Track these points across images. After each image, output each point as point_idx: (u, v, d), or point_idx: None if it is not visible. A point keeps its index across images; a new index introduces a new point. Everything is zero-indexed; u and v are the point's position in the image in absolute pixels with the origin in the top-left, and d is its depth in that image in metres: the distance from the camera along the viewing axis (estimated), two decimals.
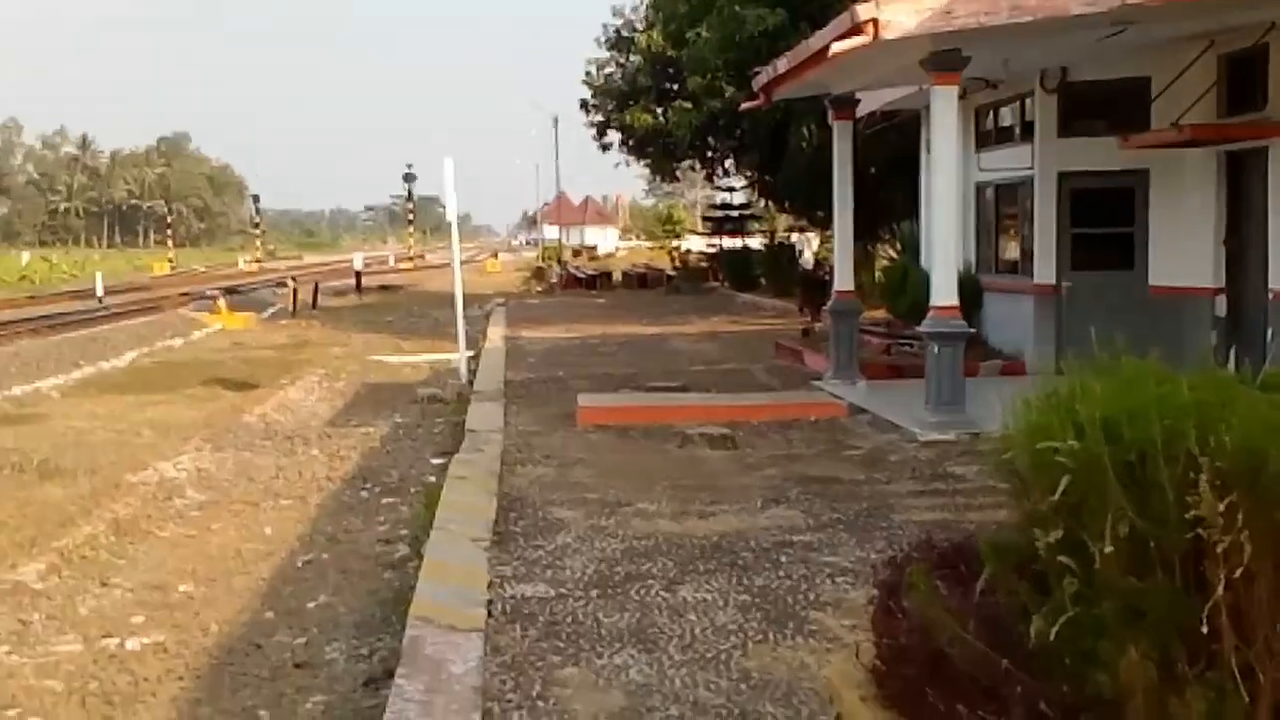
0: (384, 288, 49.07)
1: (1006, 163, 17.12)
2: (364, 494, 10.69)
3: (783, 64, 14.59)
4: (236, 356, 23.03)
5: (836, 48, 11.46)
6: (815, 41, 12.76)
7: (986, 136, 18.17)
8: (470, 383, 16.88)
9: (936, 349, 12.15)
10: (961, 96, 13.37)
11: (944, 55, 11.81)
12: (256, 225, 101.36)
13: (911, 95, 17.69)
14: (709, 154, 38.79)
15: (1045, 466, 3.54)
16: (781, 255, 38.65)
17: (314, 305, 36.86)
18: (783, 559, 7.48)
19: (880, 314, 21.42)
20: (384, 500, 10.40)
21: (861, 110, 17.50)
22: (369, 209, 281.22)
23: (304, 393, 17.53)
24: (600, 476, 10.19)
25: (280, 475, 11.51)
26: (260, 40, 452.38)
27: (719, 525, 8.39)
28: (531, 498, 9.35)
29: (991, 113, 18.05)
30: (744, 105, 18.94)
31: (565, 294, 43.24)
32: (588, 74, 40.79)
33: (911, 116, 21.67)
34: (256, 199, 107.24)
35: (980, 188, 18.15)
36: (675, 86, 35.44)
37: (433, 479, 10.77)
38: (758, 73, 16.18)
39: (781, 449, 11.51)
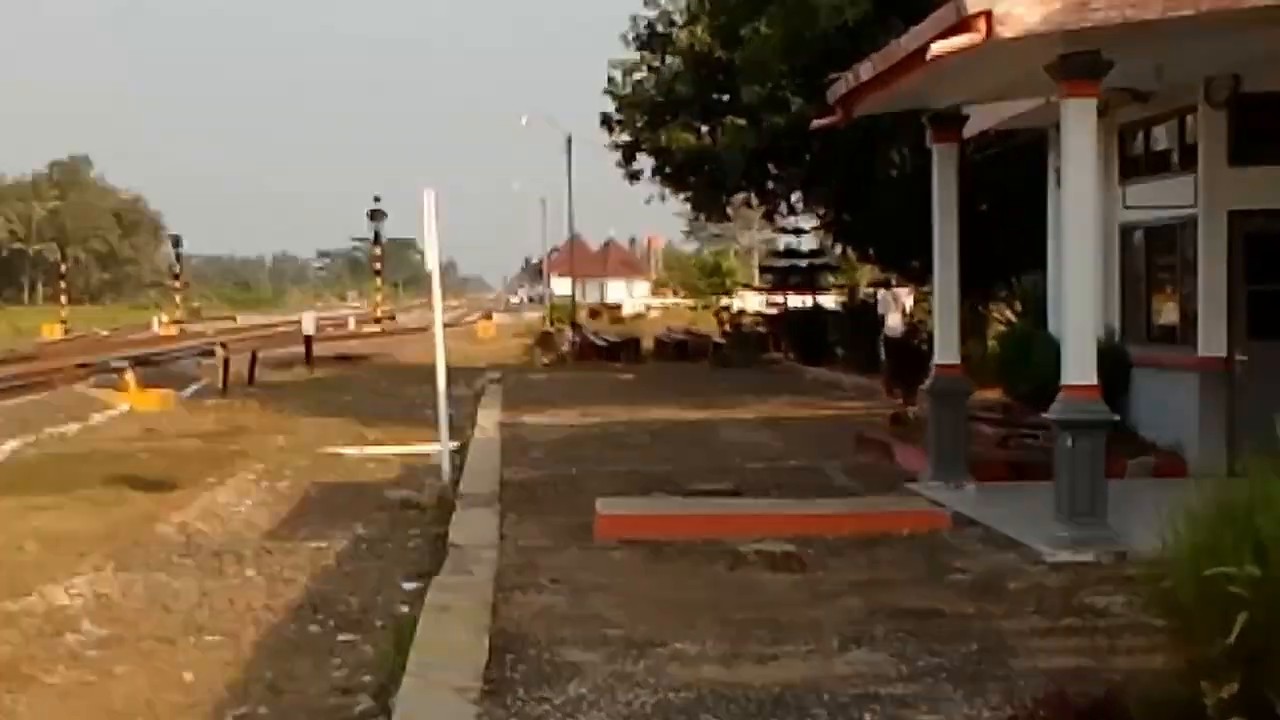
0: (343, 358, 49.28)
1: (1161, 198, 17.13)
2: (314, 629, 10.69)
3: (866, 70, 14.70)
4: (150, 447, 23.15)
5: (937, 49, 11.55)
6: (909, 41, 12.86)
7: (1134, 165, 18.22)
8: (455, 483, 16.89)
9: (1070, 442, 12.12)
10: (1101, 113, 13.41)
11: (1078, 59, 11.89)
12: (177, 276, 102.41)
13: (1036, 110, 17.76)
14: (769, 185, 38.94)
15: (1216, 599, 3.53)
16: (864, 317, 38.69)
17: (250, 380, 37.05)
18: (866, 719, 7.44)
19: (995, 395, 21.37)
20: (341, 637, 10.40)
21: (970, 129, 17.59)
22: (323, 255, 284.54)
23: (237, 495, 17.59)
24: (626, 607, 10.17)
25: (205, 603, 11.53)
26: (181, 39, 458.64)
27: (782, 673, 8.35)
28: (535, 635, 9.33)
29: (1141, 134, 18.12)
30: (816, 123, 19.03)
31: (580, 367, 43.32)
32: (611, 81, 41.00)
33: (1035, 138, 21.74)
34: (177, 241, 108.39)
35: (1126, 231, 18.18)
36: (726, 97, 35.65)
37: (405, 609, 10.76)
38: (834, 80, 16.30)
39: (864, 572, 11.46)
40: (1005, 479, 15.85)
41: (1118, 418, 13.48)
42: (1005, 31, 11.19)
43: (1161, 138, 17.76)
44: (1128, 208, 17.95)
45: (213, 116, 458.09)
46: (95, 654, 10.01)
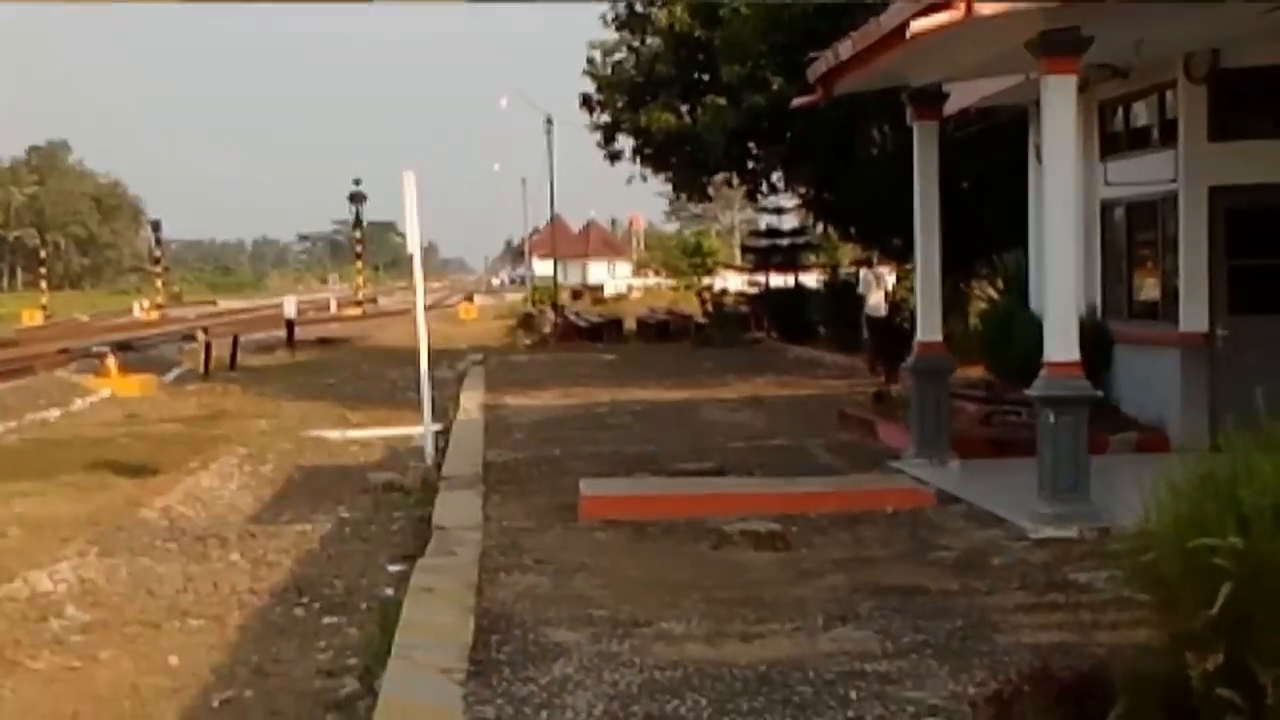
0: (324, 341, 49.22)
1: (1142, 174, 17.17)
2: (299, 611, 10.67)
3: (846, 48, 14.69)
4: (132, 432, 23.11)
5: (917, 26, 11.55)
6: (889, 19, 12.85)
7: (1115, 140, 18.23)
8: (438, 466, 16.91)
9: (1052, 418, 12.14)
10: (1081, 89, 13.42)
11: (1058, 35, 11.88)
12: (157, 260, 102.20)
13: (1016, 87, 17.76)
14: (750, 165, 38.91)
15: (1200, 571, 3.54)
16: (846, 296, 38.73)
17: (232, 365, 37.02)
18: (852, 695, 7.46)
19: (977, 373, 21.41)
20: (325, 620, 10.38)
21: (950, 107, 17.59)
22: (304, 238, 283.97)
23: (220, 479, 17.57)
24: (610, 587, 10.19)
25: (189, 588, 11.51)
26: (156, 12, 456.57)
27: (767, 651, 8.37)
28: (520, 615, 9.34)
29: (1121, 110, 18.13)
30: (796, 102, 19.02)
31: (562, 348, 43.34)
32: (591, 62, 41.01)
33: (1016, 115, 21.75)
34: (157, 226, 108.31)
35: (1107, 206, 18.20)
36: (706, 77, 35.58)
37: (390, 592, 10.77)
38: (814, 59, 16.29)
39: (849, 550, 11.49)
40: (988, 456, 15.88)
41: (1100, 394, 13.51)
42: (985, 9, 11.20)
43: (1142, 113, 17.77)
44: (1108, 184, 17.98)
45: (192, 99, 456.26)
46: (80, 639, 9.98)
